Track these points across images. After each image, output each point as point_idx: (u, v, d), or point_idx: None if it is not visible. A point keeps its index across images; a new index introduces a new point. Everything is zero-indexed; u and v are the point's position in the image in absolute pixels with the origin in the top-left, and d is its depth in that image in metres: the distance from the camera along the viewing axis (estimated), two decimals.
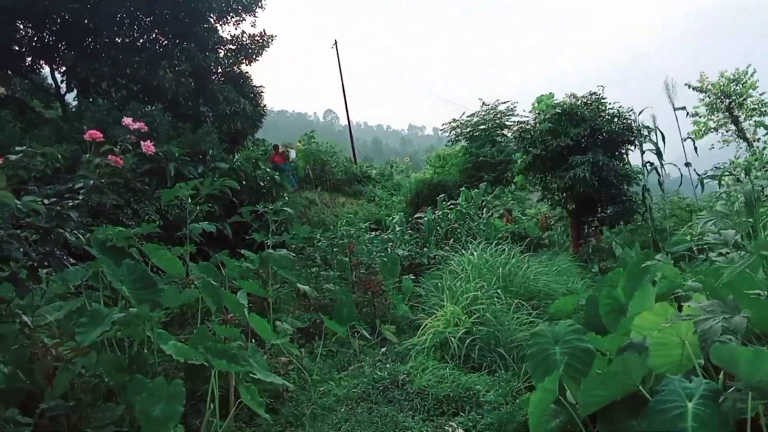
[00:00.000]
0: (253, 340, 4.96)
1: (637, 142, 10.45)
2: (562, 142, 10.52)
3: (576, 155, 10.38)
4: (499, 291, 6.10)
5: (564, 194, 10.70)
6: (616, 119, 10.77)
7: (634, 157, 11.08)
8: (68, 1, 13.74)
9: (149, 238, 5.62)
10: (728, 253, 4.23)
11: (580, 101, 11.33)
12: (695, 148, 9.23)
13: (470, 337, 5.22)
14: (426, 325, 5.68)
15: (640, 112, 9.56)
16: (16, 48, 16.00)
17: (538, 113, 11.72)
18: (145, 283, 4.33)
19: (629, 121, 10.61)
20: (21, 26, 15.37)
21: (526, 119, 12.73)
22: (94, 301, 4.73)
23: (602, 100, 11.17)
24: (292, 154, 20.51)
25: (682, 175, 9.22)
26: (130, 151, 2.92)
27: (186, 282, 5.29)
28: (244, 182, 12.26)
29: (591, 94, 11.32)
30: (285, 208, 6.31)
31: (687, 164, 8.97)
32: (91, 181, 2.65)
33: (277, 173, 13.46)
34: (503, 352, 5.12)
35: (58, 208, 2.58)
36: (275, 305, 6.16)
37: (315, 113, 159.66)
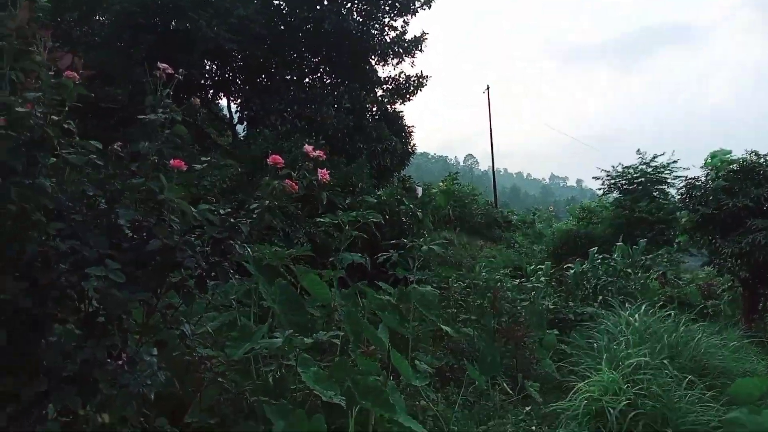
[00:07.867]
0: (391, 377, 4.78)
1: None
2: (740, 203, 9.51)
3: (756, 219, 9.33)
4: (665, 362, 5.35)
5: (738, 261, 9.58)
6: None
7: None
8: (252, 43, 15.23)
9: (296, 260, 5.74)
10: None
11: (764, 159, 10.14)
12: None
13: (632, 411, 4.56)
14: (578, 389, 5.10)
15: None
16: (202, 81, 18.11)
17: (711, 169, 10.65)
18: (295, 305, 4.37)
19: None
20: (208, 63, 17.37)
21: (687, 174, 11.59)
22: (243, 316, 4.87)
23: None
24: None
25: None
26: (306, 178, 2.96)
27: (331, 308, 5.28)
28: (387, 216, 12.42)
29: None
30: (434, 246, 6.13)
31: None
32: (267, 202, 2.68)
33: (420, 210, 13.45)
34: None
35: (232, 220, 2.62)
36: (413, 343, 5.94)
37: (455, 157, 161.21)
